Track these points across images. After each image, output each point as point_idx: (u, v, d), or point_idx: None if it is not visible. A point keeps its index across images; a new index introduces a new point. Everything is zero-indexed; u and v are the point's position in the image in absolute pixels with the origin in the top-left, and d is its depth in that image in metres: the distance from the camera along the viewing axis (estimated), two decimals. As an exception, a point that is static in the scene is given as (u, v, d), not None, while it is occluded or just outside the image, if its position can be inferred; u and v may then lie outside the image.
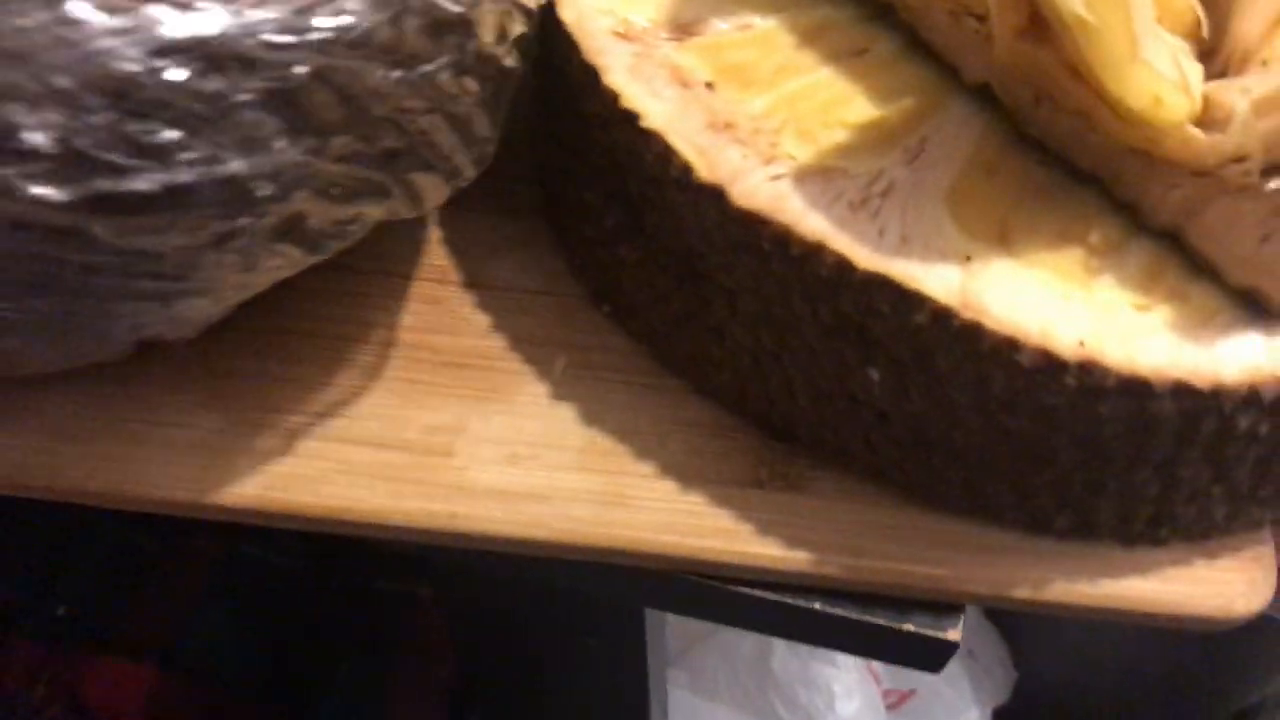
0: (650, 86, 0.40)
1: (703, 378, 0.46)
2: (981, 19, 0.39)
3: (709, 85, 0.41)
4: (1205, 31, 0.36)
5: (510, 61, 0.35)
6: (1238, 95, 0.34)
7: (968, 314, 0.35)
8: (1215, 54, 0.37)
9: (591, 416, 0.46)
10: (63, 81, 0.25)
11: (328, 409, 0.45)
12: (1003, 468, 0.40)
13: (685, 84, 0.41)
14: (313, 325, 0.46)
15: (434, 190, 0.35)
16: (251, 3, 0.26)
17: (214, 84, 0.26)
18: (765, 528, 0.44)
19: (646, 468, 0.45)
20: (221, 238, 0.30)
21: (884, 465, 0.43)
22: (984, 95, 0.41)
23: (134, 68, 0.25)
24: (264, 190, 0.29)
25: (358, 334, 0.47)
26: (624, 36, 0.42)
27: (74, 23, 0.25)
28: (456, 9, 0.32)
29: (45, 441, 0.43)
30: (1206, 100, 0.35)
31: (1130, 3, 0.31)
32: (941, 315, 0.35)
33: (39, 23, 0.24)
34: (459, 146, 0.34)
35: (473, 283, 0.49)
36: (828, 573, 0.43)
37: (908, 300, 0.36)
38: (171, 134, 0.27)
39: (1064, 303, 0.36)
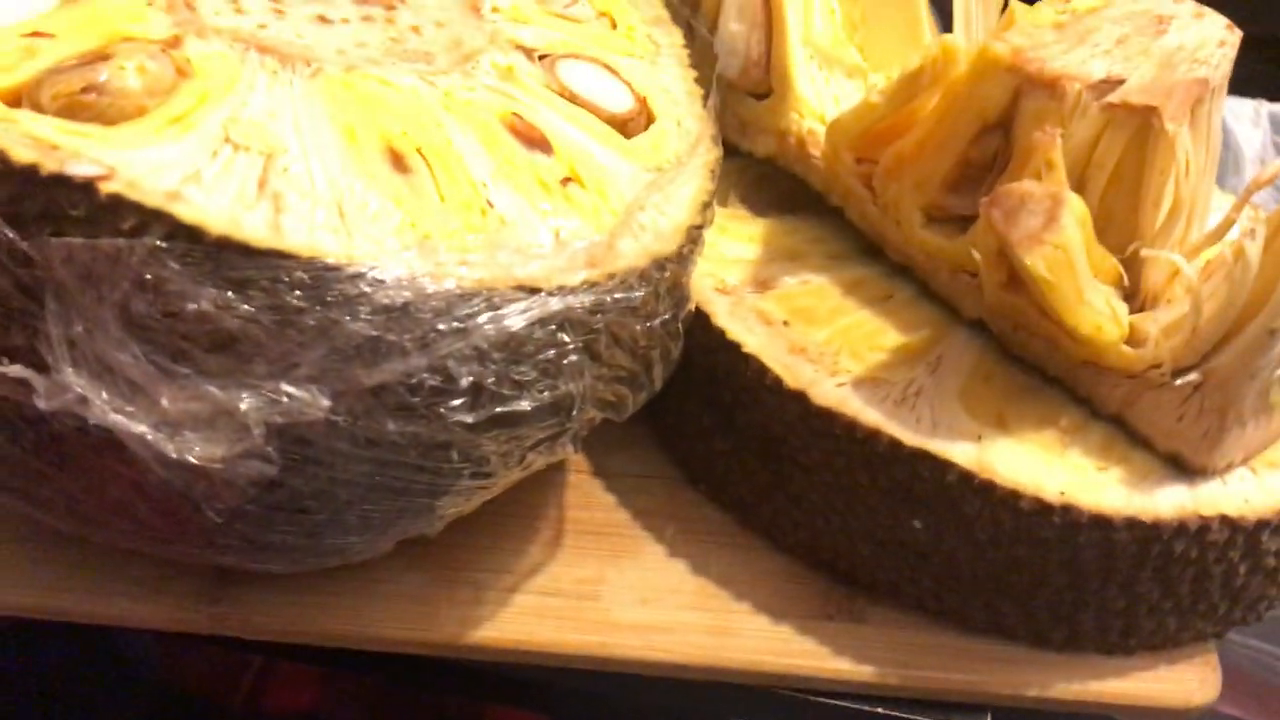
0: (745, 325, 0.57)
1: (781, 537, 0.61)
2: (974, 275, 0.57)
3: (785, 323, 0.58)
4: (1126, 282, 0.54)
5: (692, 306, 0.52)
6: (1151, 324, 0.52)
7: (984, 475, 0.51)
8: (1134, 297, 0.54)
9: (698, 569, 0.61)
10: (483, 345, 0.41)
11: (502, 567, 0.60)
12: (1011, 591, 0.55)
13: (769, 322, 0.58)
14: (488, 506, 0.61)
15: (640, 400, 0.51)
16: (579, 288, 0.43)
17: (560, 337, 0.43)
18: (837, 650, 0.58)
19: (743, 607, 0.60)
20: (538, 442, 0.46)
21: (924, 597, 0.58)
22: (978, 326, 0.58)
23: (522, 332, 0.42)
24: (579, 405, 0.45)
25: (520, 511, 0.62)
26: (722, 291, 0.59)
27: (500, 309, 0.41)
28: (682, 282, 0.49)
29: (296, 596, 0.58)
30: (1132, 327, 0.53)
31: (1076, 267, 0.49)
32: (965, 476, 0.51)
33: (476, 309, 0.41)
34: (661, 368, 0.51)
35: (598, 471, 0.65)
36: (886, 683, 0.58)
37: (941, 467, 0.52)
38: (534, 372, 0.43)
39: (1047, 466, 0.52)
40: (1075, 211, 0.48)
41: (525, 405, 0.44)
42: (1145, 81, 0.51)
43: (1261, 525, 0.52)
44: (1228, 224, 0.52)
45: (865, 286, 0.61)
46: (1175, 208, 0.52)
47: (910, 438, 0.52)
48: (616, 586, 0.60)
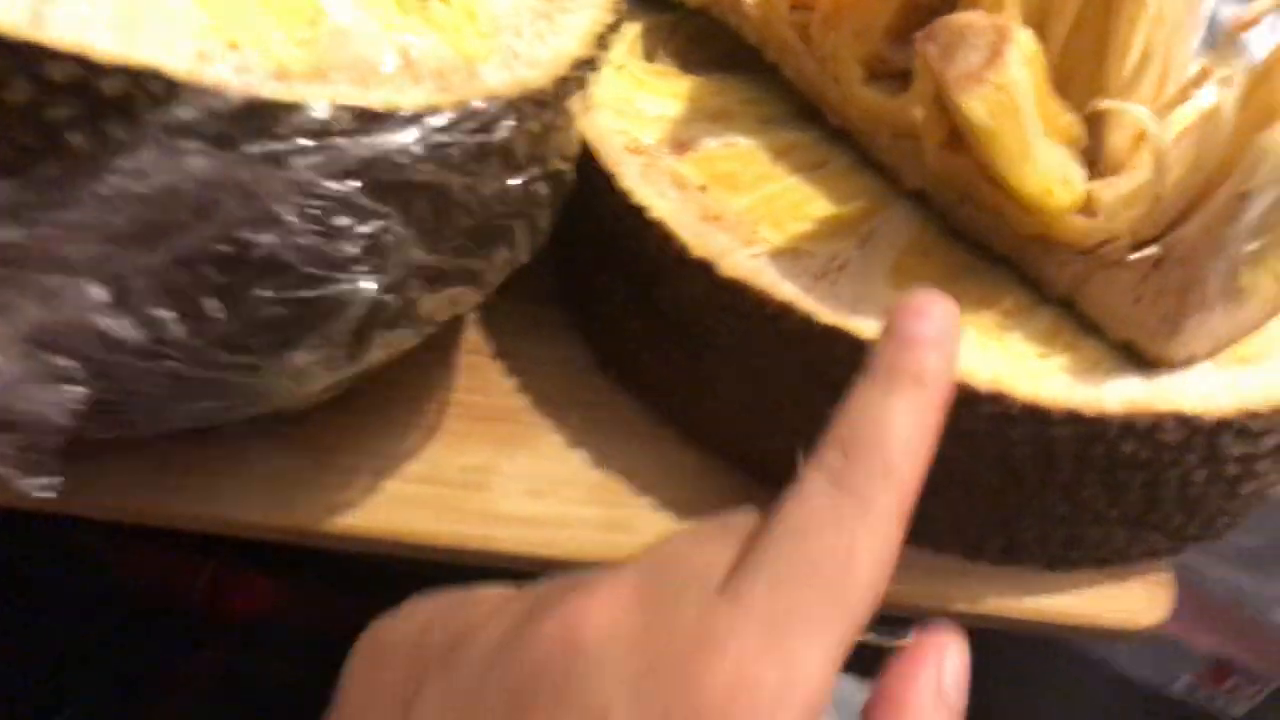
0: (656, 189, 0.51)
1: (694, 428, 0.55)
2: (915, 139, 0.50)
3: (702, 188, 0.51)
4: (1086, 144, 0.47)
5: (570, 174, 0.45)
6: (1109, 191, 0.45)
7: (906, 357, 0.44)
8: (1095, 163, 0.47)
9: (600, 461, 0.55)
10: (299, 181, 0.34)
11: (384, 451, 0.54)
12: (939, 493, 0.49)
13: (683, 187, 0.51)
14: (373, 385, 0.55)
15: (502, 275, 0.44)
16: (427, 115, 0.36)
17: (376, 199, 0.36)
18: (747, 553, 0.52)
19: (647, 502, 0.54)
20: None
21: (845, 497, 0.52)
22: (919, 198, 0.52)
23: (328, 190, 0.35)
24: (415, 286, 0.39)
25: (410, 393, 0.56)
26: (634, 151, 0.52)
27: (287, 164, 0.34)
28: (557, 134, 0.42)
29: (149, 475, 0.52)
30: (1088, 196, 0.46)
31: (1022, 115, 0.42)
32: (885, 359, 0.45)
33: (265, 172, 0.34)
34: (527, 239, 0.44)
35: (501, 353, 0.59)
36: (800, 590, 0.52)
37: (858, 347, 0.45)
38: (347, 246, 0.36)
39: (982, 351, 0.46)
40: (1023, 48, 0.41)
41: (329, 290, 0.37)
42: (1115, -95, 0.43)
43: (1223, 426, 0.45)
44: (1202, 77, 0.45)
45: (797, 152, 0.54)
46: (1144, 60, 0.45)
47: (825, 314, 0.46)
48: (507, 477, 0.54)
